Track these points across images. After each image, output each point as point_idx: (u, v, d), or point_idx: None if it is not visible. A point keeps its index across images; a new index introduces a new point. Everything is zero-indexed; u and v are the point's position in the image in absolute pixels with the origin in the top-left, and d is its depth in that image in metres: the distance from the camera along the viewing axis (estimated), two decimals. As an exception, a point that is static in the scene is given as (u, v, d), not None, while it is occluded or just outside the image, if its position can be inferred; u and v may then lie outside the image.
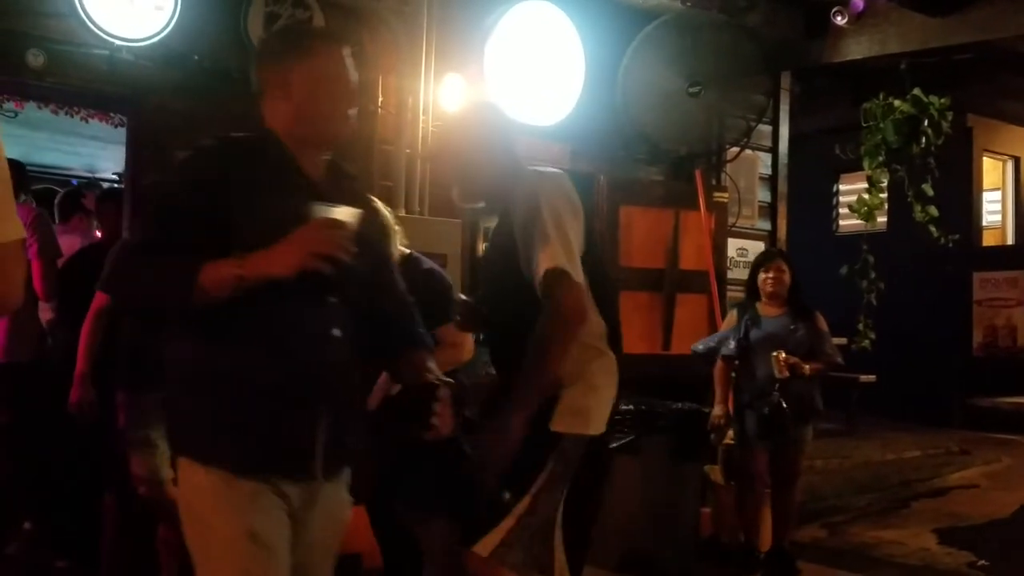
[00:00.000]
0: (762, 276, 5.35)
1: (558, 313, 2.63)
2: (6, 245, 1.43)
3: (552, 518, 2.69)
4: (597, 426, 2.77)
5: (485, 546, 2.66)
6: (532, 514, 2.67)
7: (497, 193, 2.93)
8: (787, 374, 5.06)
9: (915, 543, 6.30)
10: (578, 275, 2.66)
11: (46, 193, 5.95)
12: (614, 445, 3.21)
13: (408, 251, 3.70)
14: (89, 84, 4.44)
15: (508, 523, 2.66)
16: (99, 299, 4.17)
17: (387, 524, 3.88)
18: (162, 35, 4.40)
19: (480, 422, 2.94)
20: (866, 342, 6.89)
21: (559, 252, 2.64)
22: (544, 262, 2.62)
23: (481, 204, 3.07)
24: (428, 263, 3.82)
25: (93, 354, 4.15)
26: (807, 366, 5.12)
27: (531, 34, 5.52)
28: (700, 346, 5.50)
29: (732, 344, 5.29)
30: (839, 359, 5.39)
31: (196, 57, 4.60)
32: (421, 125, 5.19)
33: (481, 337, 3.47)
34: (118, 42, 4.33)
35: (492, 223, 3.50)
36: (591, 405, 2.78)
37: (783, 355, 5.08)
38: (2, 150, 1.45)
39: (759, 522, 5.39)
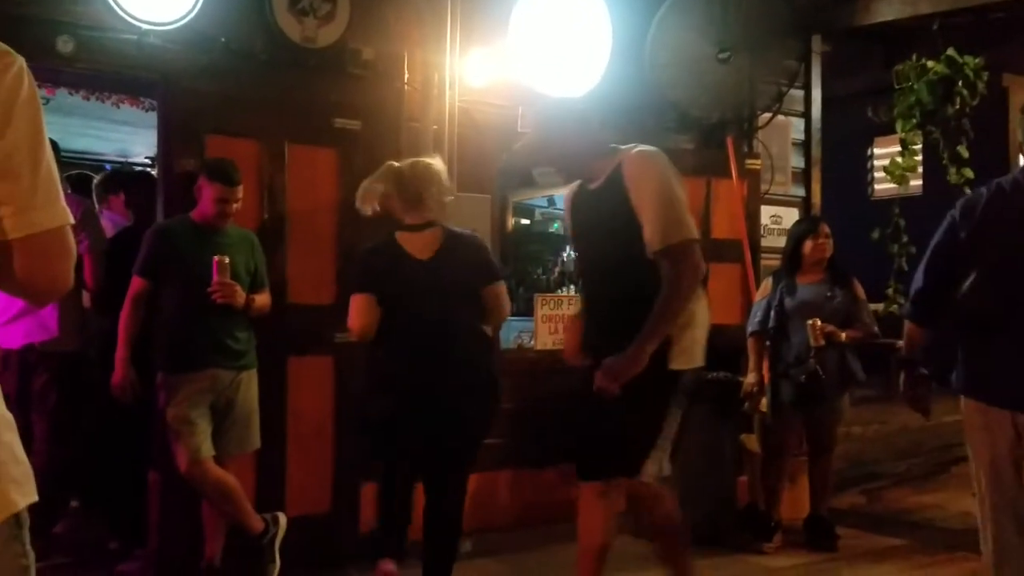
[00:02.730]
0: (810, 243, 5.27)
1: (692, 271, 3.32)
2: (54, 231, 1.43)
3: (673, 436, 3.45)
4: (701, 359, 3.47)
5: (648, 476, 3.41)
6: (665, 439, 3.40)
7: (589, 169, 3.55)
8: (823, 342, 5.04)
9: (955, 507, 6.26)
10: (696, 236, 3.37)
11: (81, 179, 6.02)
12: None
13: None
14: (119, 69, 4.48)
15: (656, 454, 3.39)
16: (136, 284, 4.23)
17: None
18: (188, 18, 4.43)
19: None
20: (895, 307, 6.82)
21: (685, 225, 3.32)
22: (674, 236, 3.27)
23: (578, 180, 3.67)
24: (462, 229, 4.05)
25: (132, 338, 4.21)
26: (843, 334, 5.09)
27: (556, 4, 5.47)
28: (754, 325, 5.39)
29: (771, 315, 5.24)
30: (876, 328, 5.34)
31: (223, 39, 4.63)
32: (448, 100, 5.19)
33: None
34: (146, 26, 4.36)
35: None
36: (697, 341, 3.44)
37: (819, 323, 5.05)
38: (44, 132, 1.45)
39: (781, 491, 5.38)
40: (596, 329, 3.61)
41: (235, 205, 4.26)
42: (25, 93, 1.39)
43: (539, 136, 3.65)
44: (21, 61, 1.41)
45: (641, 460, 3.40)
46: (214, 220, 4.25)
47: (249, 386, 4.34)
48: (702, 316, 3.48)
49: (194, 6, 4.42)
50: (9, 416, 1.46)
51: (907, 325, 3.46)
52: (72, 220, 1.47)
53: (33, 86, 1.42)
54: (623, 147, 3.51)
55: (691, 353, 3.42)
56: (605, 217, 3.46)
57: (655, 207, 3.30)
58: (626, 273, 3.44)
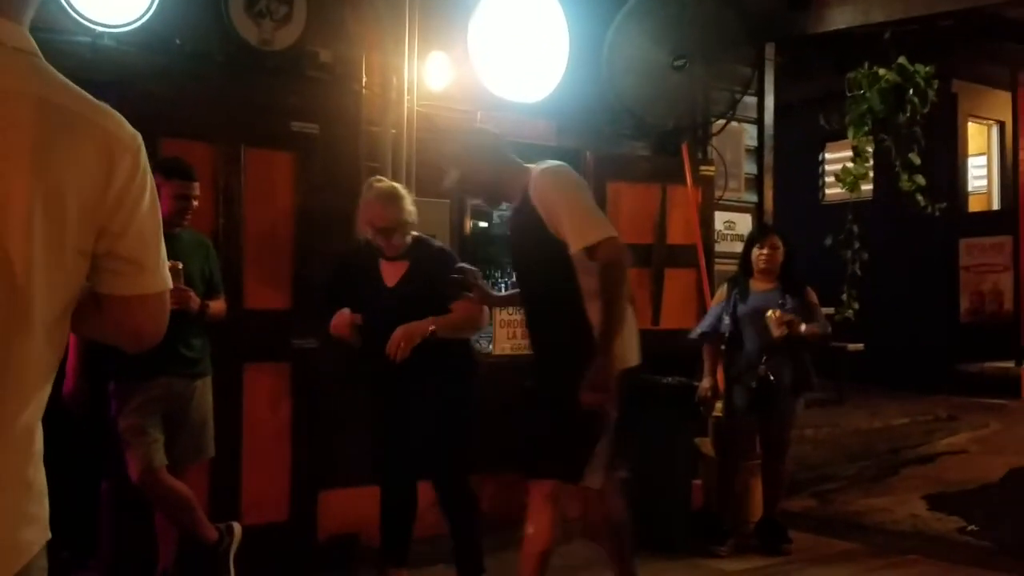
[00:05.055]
0: (756, 252, 5.34)
1: (618, 270, 3.39)
2: (161, 293, 1.56)
3: (612, 439, 3.54)
4: (634, 358, 3.58)
5: (593, 481, 3.52)
6: (604, 443, 3.50)
7: (506, 193, 3.72)
8: (784, 331, 5.03)
9: (904, 510, 6.35)
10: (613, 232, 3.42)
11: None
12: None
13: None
14: (73, 72, 4.31)
15: (597, 459, 3.49)
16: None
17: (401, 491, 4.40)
18: (144, 20, 4.36)
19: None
20: (849, 312, 6.91)
21: (601, 224, 3.42)
22: (592, 235, 3.36)
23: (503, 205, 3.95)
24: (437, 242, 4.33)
25: (84, 346, 4.13)
26: (803, 325, 5.10)
27: (515, 9, 5.48)
28: (700, 328, 5.46)
29: (727, 320, 5.29)
30: (828, 331, 5.39)
31: (178, 41, 4.57)
32: (406, 104, 5.17)
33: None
34: (100, 28, 4.30)
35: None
36: (630, 344, 3.54)
37: (777, 313, 5.06)
38: (155, 195, 1.54)
39: (732, 495, 5.44)
40: (532, 344, 3.82)
41: (194, 202, 4.20)
42: (144, 164, 1.51)
43: (458, 170, 3.73)
44: (138, 136, 1.52)
45: (582, 466, 3.50)
46: (172, 219, 4.16)
47: (204, 394, 4.28)
48: (631, 319, 3.58)
49: (149, 8, 4.36)
50: (40, 447, 1.47)
51: None
52: (171, 285, 1.60)
53: (146, 157, 1.52)
54: (530, 166, 3.63)
55: (618, 355, 3.46)
56: (524, 237, 3.64)
57: (566, 214, 3.43)
58: (549, 289, 3.59)
